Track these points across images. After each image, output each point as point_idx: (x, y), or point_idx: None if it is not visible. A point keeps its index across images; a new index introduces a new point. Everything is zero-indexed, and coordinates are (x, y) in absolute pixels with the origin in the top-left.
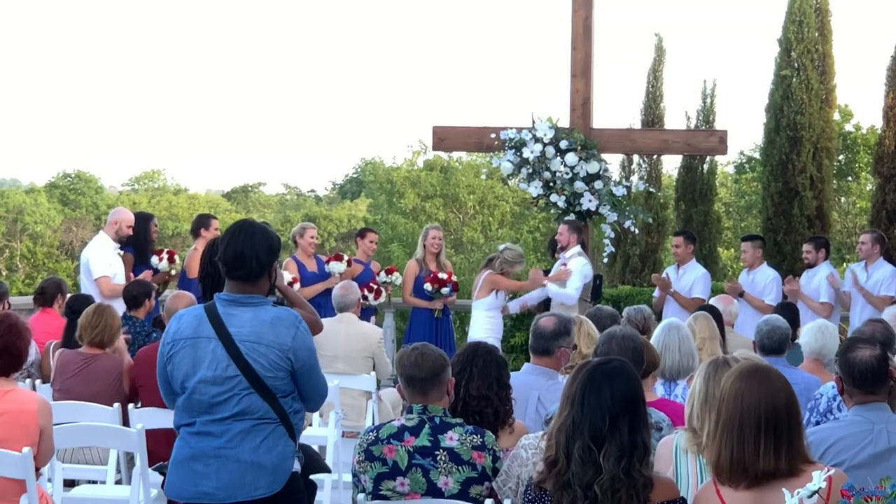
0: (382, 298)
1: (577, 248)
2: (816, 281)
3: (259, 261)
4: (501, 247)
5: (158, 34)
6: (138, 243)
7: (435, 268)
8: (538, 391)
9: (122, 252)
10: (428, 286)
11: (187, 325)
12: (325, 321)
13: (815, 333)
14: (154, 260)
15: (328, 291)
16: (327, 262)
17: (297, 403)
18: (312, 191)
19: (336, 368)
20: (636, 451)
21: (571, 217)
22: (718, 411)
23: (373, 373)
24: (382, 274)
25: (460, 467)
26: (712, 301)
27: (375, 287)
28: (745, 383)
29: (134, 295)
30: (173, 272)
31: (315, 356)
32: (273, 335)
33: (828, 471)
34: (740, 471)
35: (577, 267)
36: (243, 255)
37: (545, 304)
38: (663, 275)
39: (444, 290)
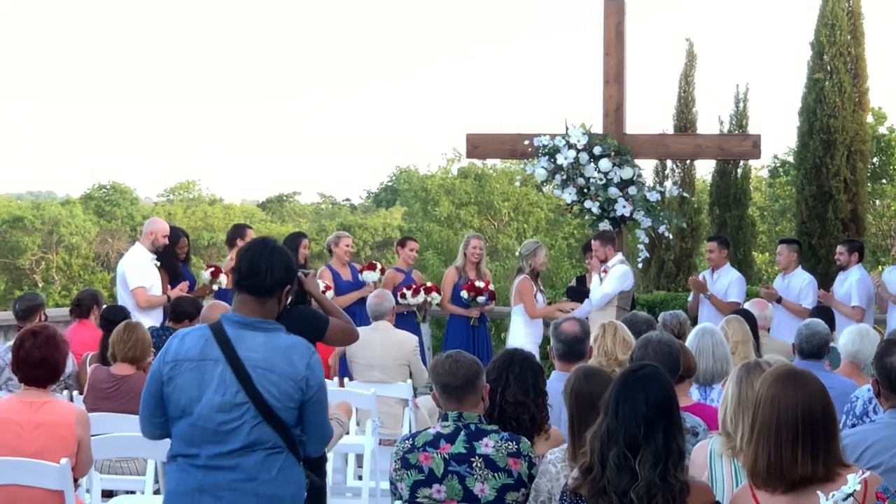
0: (420, 297)
1: (619, 257)
2: (848, 284)
3: (273, 276)
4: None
5: (194, 45)
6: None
7: (474, 276)
8: None
9: (158, 263)
10: (464, 294)
11: (192, 346)
12: (360, 330)
13: (853, 337)
14: (205, 274)
15: (363, 300)
16: (361, 271)
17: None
18: (347, 199)
19: (372, 377)
20: (671, 457)
21: (602, 227)
22: (754, 415)
23: (409, 380)
24: (422, 293)
25: (496, 474)
26: (747, 305)
27: (413, 286)
28: (782, 388)
29: (183, 310)
30: (215, 287)
31: (326, 393)
32: (287, 364)
33: (863, 473)
34: (777, 476)
35: (616, 272)
36: (259, 267)
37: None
38: (700, 276)
39: (481, 299)
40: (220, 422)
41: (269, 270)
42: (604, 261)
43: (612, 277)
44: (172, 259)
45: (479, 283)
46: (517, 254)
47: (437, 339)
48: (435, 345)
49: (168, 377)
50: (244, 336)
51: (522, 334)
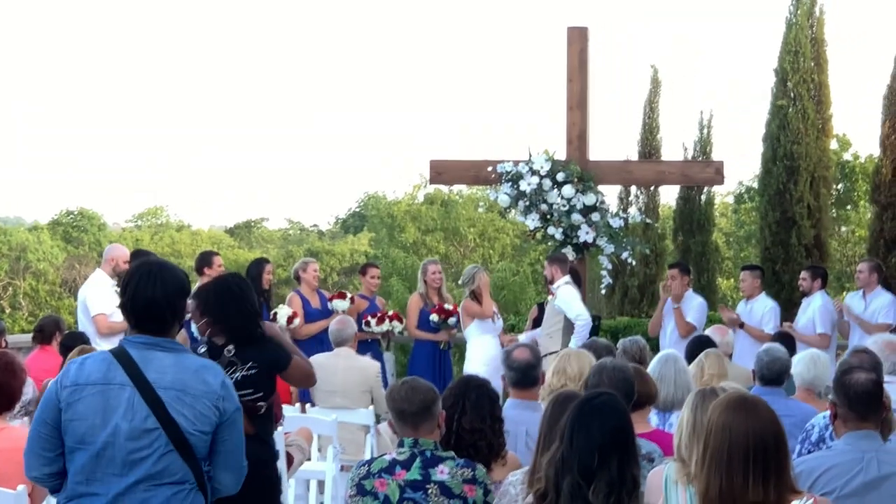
0: (385, 326)
1: (566, 278)
2: (811, 311)
3: (173, 308)
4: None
5: (159, 71)
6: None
7: (437, 300)
8: (525, 425)
9: (118, 290)
10: (434, 317)
11: (94, 370)
12: (322, 356)
13: (806, 364)
14: None
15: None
16: (330, 299)
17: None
18: (315, 225)
19: (334, 403)
20: (625, 486)
21: (565, 253)
22: (706, 442)
23: (371, 407)
24: (386, 322)
25: (451, 501)
26: (708, 332)
27: (378, 314)
28: (733, 415)
29: None
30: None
31: (242, 420)
32: (200, 383)
33: (809, 498)
34: (729, 502)
35: (569, 293)
36: (154, 302)
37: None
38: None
39: (451, 321)
40: (130, 451)
41: (167, 303)
42: (551, 282)
43: (572, 299)
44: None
45: (448, 306)
46: (459, 283)
47: (403, 366)
48: (400, 371)
49: (66, 403)
50: (151, 357)
51: (476, 359)
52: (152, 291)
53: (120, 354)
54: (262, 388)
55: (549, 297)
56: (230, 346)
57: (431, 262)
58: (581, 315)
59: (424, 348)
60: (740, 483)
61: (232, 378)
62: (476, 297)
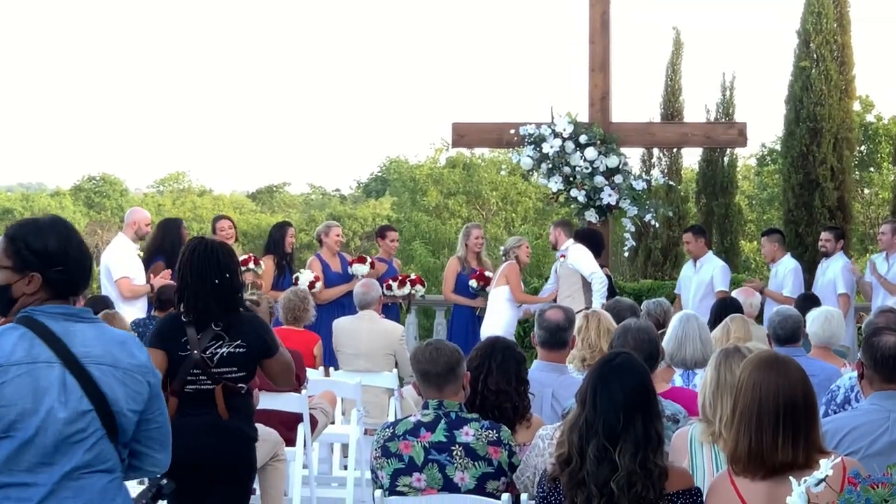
0: (406, 290)
1: (570, 240)
2: (832, 272)
3: (81, 266)
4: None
5: (183, 37)
6: (173, 249)
7: (476, 265)
8: (551, 387)
9: (156, 261)
10: (473, 283)
11: (14, 347)
12: (345, 319)
13: (821, 323)
14: None
15: (350, 293)
16: (351, 264)
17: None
18: (337, 190)
19: (358, 366)
20: (650, 444)
21: (588, 216)
22: (735, 401)
23: (395, 370)
24: (408, 285)
25: (476, 462)
26: (734, 293)
27: (399, 277)
28: (763, 374)
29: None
30: None
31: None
32: (129, 356)
33: (835, 458)
34: (758, 462)
35: (580, 252)
36: (66, 256)
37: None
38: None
39: (489, 288)
40: (66, 436)
41: (78, 261)
42: (555, 247)
43: (582, 257)
44: (177, 248)
45: (488, 273)
46: (502, 250)
47: (425, 329)
48: (423, 335)
49: None
50: (72, 330)
51: (497, 321)
52: (69, 252)
53: (37, 328)
54: (245, 369)
55: (561, 260)
56: (219, 320)
57: (475, 226)
58: (595, 273)
59: (463, 313)
60: (769, 442)
61: (217, 353)
62: (519, 263)
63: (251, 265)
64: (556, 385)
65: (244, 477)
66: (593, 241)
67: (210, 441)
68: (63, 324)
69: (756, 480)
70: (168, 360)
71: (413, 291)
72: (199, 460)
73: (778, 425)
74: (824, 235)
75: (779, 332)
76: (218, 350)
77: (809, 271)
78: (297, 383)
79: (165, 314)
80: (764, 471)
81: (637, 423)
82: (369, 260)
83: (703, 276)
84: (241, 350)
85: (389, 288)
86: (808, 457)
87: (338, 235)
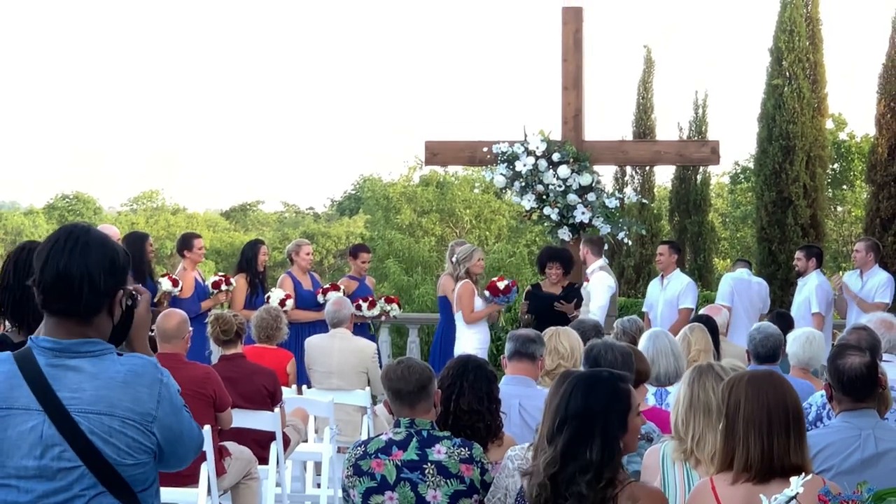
0: (376, 310)
1: (600, 262)
2: (807, 291)
3: (94, 286)
4: (453, 256)
5: (155, 56)
6: (135, 264)
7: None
8: (518, 398)
9: None
10: (487, 293)
11: None
12: (318, 337)
13: (802, 344)
14: (165, 282)
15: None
16: (324, 291)
17: (157, 499)
18: (311, 208)
19: (330, 384)
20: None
21: (561, 234)
22: (735, 412)
23: (367, 388)
24: (381, 303)
25: (448, 480)
26: (702, 311)
27: (370, 299)
28: (762, 384)
29: None
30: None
31: (182, 414)
32: (130, 401)
33: (806, 476)
34: (769, 466)
35: (600, 282)
36: (69, 276)
37: (577, 305)
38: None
39: (500, 299)
40: (39, 495)
41: (87, 278)
42: (584, 263)
43: (598, 290)
44: (140, 263)
45: (500, 284)
46: (453, 260)
47: (398, 348)
48: (396, 353)
49: None
50: (64, 368)
51: (468, 342)
52: (66, 263)
53: (25, 364)
54: None
55: (585, 284)
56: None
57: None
58: (599, 308)
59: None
60: (784, 444)
61: None
62: (470, 277)
63: (223, 286)
64: (522, 396)
65: None
66: (566, 260)
67: None
68: (54, 361)
69: (737, 484)
70: None
71: (388, 309)
72: None
73: (789, 429)
74: (797, 254)
75: (759, 349)
76: None
77: (781, 288)
78: (272, 402)
79: None
80: (774, 475)
81: (595, 445)
82: (342, 289)
83: (669, 293)
84: None
85: (359, 308)
86: (804, 466)
87: (308, 254)
